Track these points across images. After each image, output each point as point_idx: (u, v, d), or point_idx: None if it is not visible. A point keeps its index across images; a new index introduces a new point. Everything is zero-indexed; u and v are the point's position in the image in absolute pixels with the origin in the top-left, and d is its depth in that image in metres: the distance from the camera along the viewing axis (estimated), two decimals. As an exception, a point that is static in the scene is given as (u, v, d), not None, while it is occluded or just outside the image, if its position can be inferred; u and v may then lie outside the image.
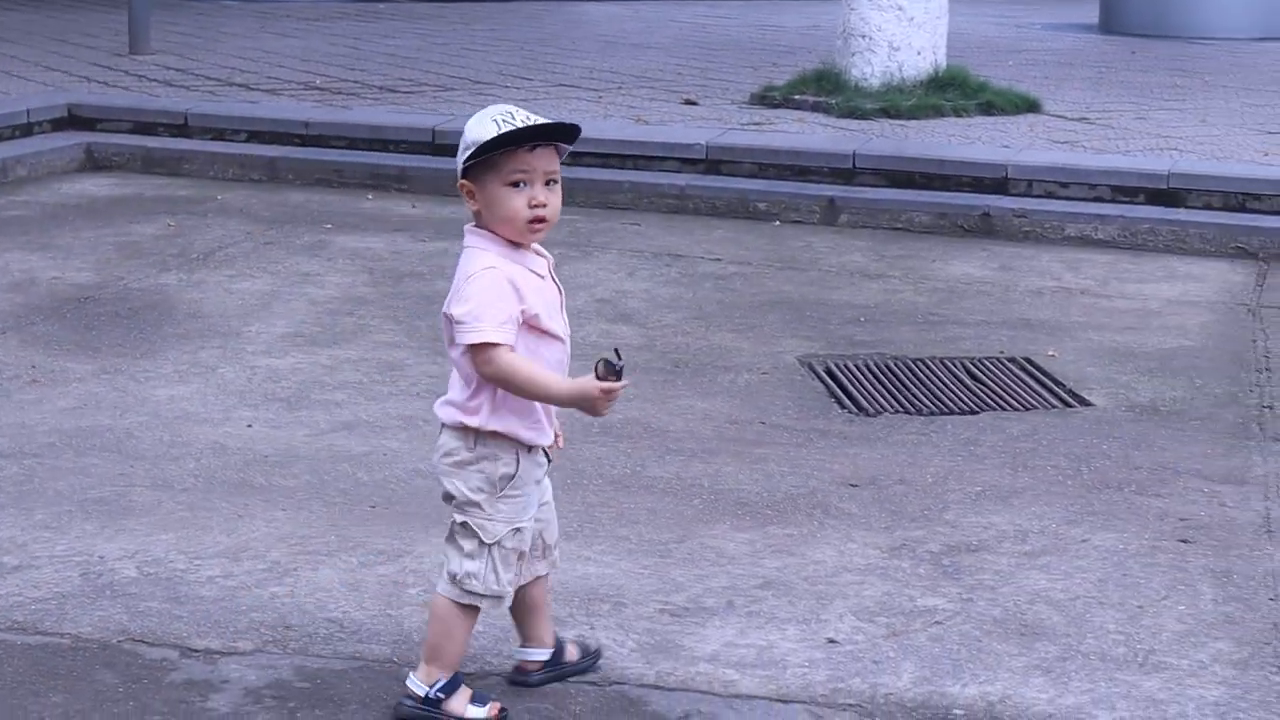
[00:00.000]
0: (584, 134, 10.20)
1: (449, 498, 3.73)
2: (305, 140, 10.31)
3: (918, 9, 11.12)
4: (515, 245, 3.66)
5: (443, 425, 3.73)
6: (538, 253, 3.72)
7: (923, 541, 4.90)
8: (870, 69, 11.16)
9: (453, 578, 3.72)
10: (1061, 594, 4.54)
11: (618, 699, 3.90)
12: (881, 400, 6.29)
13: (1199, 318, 7.53)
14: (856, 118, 10.73)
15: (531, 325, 3.63)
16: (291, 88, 11.78)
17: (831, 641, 4.22)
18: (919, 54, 11.20)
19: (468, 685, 3.81)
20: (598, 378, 3.55)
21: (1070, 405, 6.27)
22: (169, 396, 6.01)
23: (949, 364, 6.72)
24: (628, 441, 5.71)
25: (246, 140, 10.34)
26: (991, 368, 6.69)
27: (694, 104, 11.33)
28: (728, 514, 5.10)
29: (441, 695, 3.74)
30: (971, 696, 3.95)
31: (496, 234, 3.64)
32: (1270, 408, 6.26)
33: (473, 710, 3.76)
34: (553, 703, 3.87)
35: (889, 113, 10.76)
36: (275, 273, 7.80)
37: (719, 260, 8.34)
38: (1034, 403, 6.28)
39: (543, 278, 3.69)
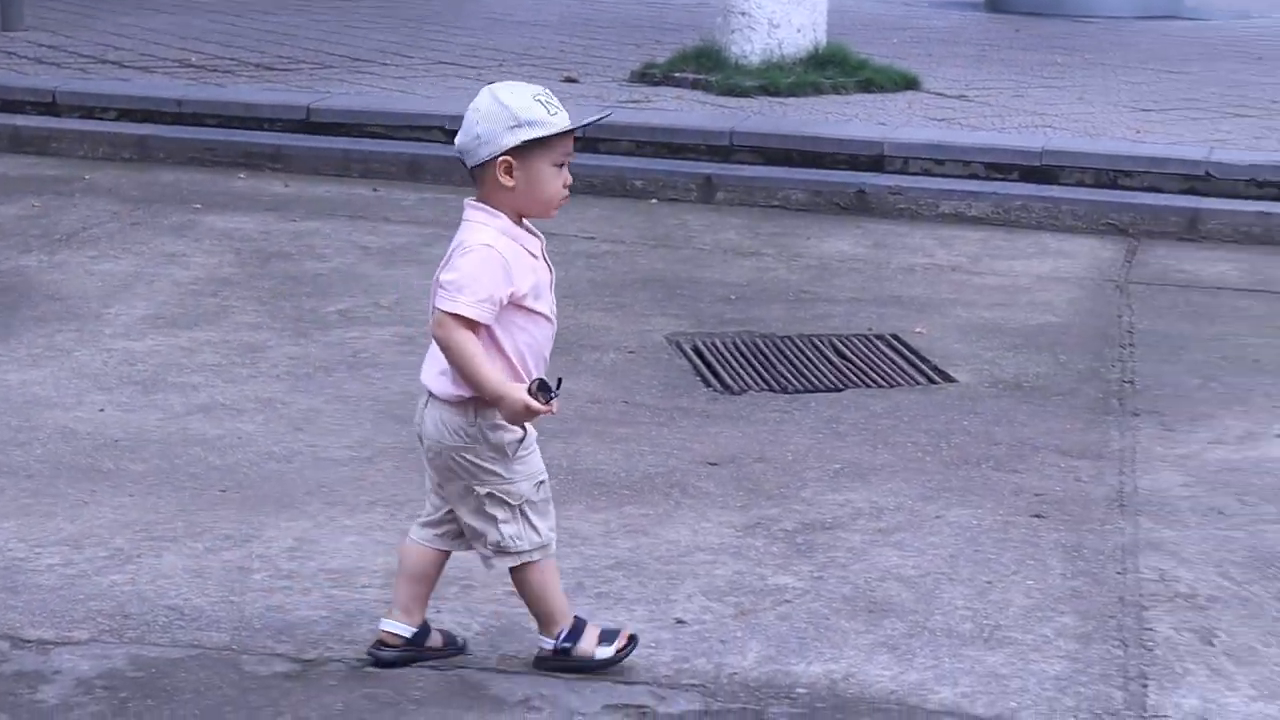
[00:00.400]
0: (459, 112, 10.14)
1: (455, 471, 3.76)
2: (178, 118, 10.15)
3: (797, -14, 11.12)
4: (518, 224, 3.72)
5: (432, 397, 3.77)
6: (531, 232, 3.77)
7: (778, 520, 4.89)
8: (750, 46, 11.14)
9: (498, 548, 3.79)
10: (913, 570, 4.54)
11: (458, 683, 3.85)
12: (747, 378, 6.27)
13: (1067, 294, 7.57)
14: (736, 95, 10.71)
15: (518, 304, 3.69)
16: (166, 65, 11.61)
17: (679, 622, 4.20)
18: (799, 31, 11.20)
19: (592, 625, 3.92)
20: (530, 393, 3.65)
21: (935, 382, 6.28)
22: (20, 381, 5.90)
23: (816, 341, 6.72)
24: (488, 422, 5.66)
25: (117, 119, 10.17)
26: (859, 345, 6.69)
27: (574, 81, 11.27)
28: (584, 494, 5.06)
29: (569, 644, 3.87)
30: (815, 675, 3.93)
31: (508, 210, 3.69)
32: (1131, 382, 6.29)
33: (601, 650, 3.88)
34: (392, 687, 3.82)
35: (768, 90, 10.74)
36: (140, 254, 7.68)
37: (592, 239, 8.30)
38: (899, 380, 6.29)
39: (536, 258, 3.75)
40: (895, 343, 6.71)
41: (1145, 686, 3.92)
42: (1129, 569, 4.59)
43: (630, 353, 6.52)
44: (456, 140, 3.74)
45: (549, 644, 3.89)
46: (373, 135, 9.91)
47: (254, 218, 8.45)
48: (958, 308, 7.27)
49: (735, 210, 9.04)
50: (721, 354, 6.54)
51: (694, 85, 11.00)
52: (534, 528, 3.81)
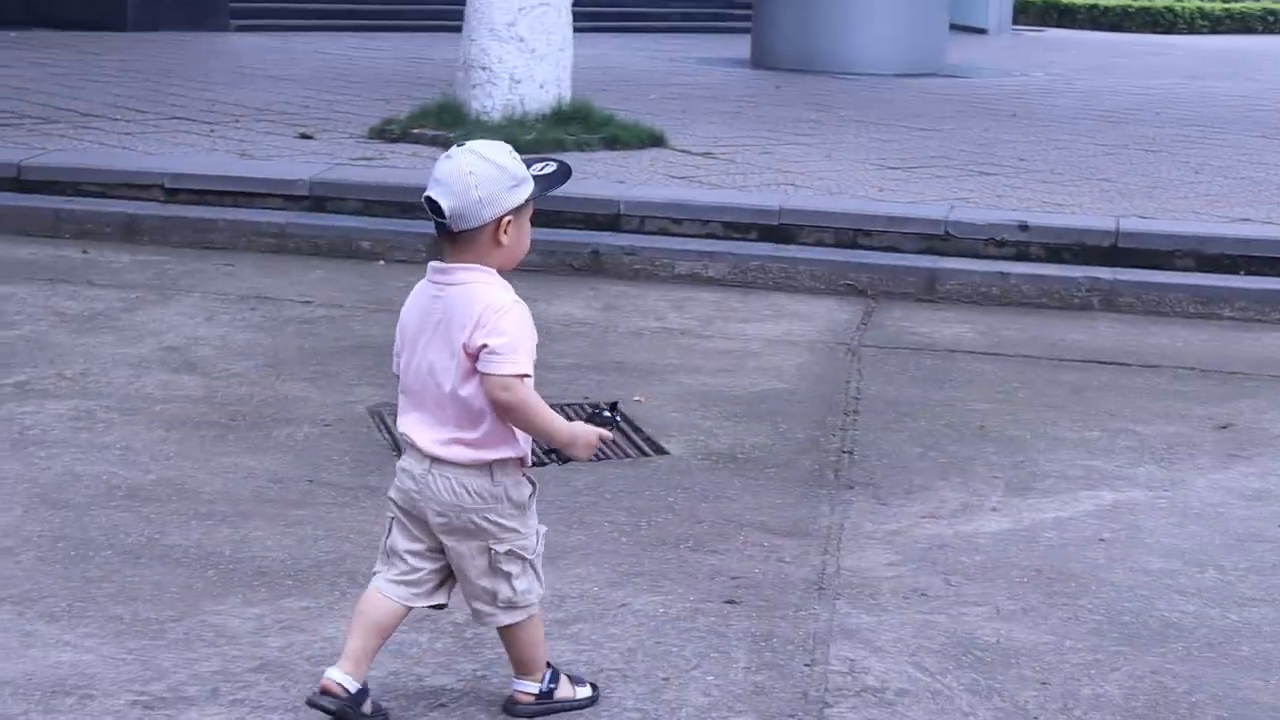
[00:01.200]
0: (179, 170, 9.57)
1: (475, 534, 3.76)
2: (-121, 176, 9.57)
3: (540, 41, 10.83)
4: None
5: (440, 463, 3.73)
6: None
7: (449, 612, 4.46)
8: (491, 102, 10.84)
9: (509, 604, 3.82)
10: (585, 667, 4.18)
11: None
12: (448, 452, 5.89)
13: (797, 359, 7.31)
14: (474, 152, 10.36)
15: None
16: (-123, 120, 11.00)
17: (315, 734, 3.80)
18: (541, 87, 10.90)
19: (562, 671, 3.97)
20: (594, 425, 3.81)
21: (646, 454, 5.96)
22: None
23: (527, 412, 6.35)
24: (153, 505, 5.23)
25: None
26: (571, 415, 6.32)
27: (310, 138, 10.87)
28: (243, 586, 4.64)
29: (553, 686, 3.92)
30: (454, 794, 3.56)
31: (496, 267, 3.73)
32: (850, 452, 6.03)
33: (580, 691, 3.96)
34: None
35: (508, 147, 10.39)
36: None
37: (309, 303, 7.89)
38: (608, 452, 5.94)
39: None
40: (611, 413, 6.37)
41: (816, 797, 3.61)
42: (818, 660, 4.28)
43: (326, 426, 6.12)
44: (446, 205, 3.65)
45: (533, 687, 3.90)
46: (89, 194, 9.43)
47: (-58, 283, 7.92)
48: (681, 374, 6.97)
49: (465, 272, 8.65)
50: (425, 426, 6.16)
51: (433, 142, 10.65)
52: (539, 579, 3.87)
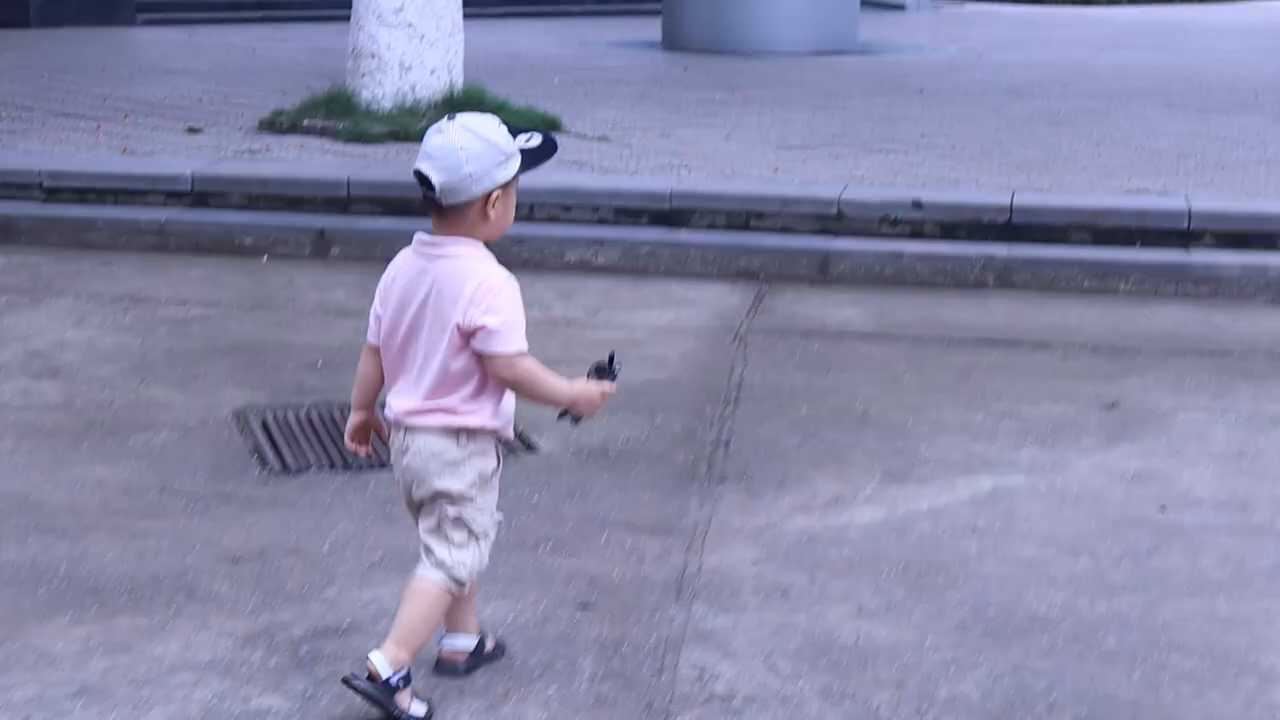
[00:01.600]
0: (57, 169, 9.25)
1: (436, 496, 3.80)
2: None
3: (429, 26, 10.61)
4: None
5: (413, 431, 3.79)
6: None
7: (288, 626, 4.32)
8: (381, 90, 10.61)
9: (439, 564, 3.83)
10: (424, 682, 4.00)
11: None
12: (310, 455, 5.72)
13: (682, 347, 7.14)
14: (364, 142, 10.16)
15: None
16: None
17: (129, 763, 3.61)
18: (433, 73, 10.69)
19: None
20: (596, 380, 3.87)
21: (514, 452, 5.78)
22: None
23: (397, 410, 6.17)
24: (-7, 521, 5.02)
25: None
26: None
27: (198, 132, 10.62)
28: (74, 604, 4.44)
29: (401, 685, 3.78)
30: (266, 825, 3.38)
31: (483, 240, 3.77)
32: (726, 444, 5.86)
33: (416, 707, 3.80)
34: None
35: (399, 136, 10.19)
36: None
37: (185, 303, 7.67)
38: (475, 451, 5.76)
39: None
40: (483, 408, 6.19)
41: (648, 815, 3.44)
42: (667, 667, 4.11)
43: (188, 431, 5.92)
44: (437, 180, 3.68)
45: (386, 670, 3.76)
46: (-37, 196, 9.16)
47: None
48: (561, 367, 6.60)
49: (350, 266, 8.46)
50: (290, 429, 5.98)
51: (322, 133, 10.44)
52: (480, 561, 3.87)
